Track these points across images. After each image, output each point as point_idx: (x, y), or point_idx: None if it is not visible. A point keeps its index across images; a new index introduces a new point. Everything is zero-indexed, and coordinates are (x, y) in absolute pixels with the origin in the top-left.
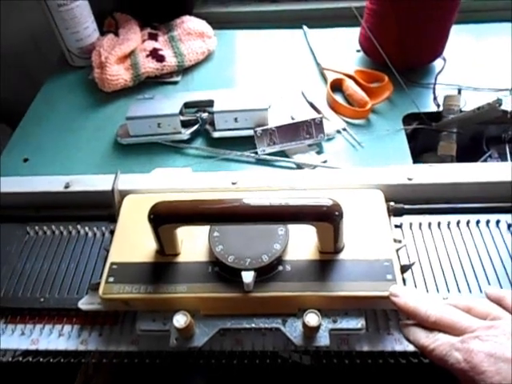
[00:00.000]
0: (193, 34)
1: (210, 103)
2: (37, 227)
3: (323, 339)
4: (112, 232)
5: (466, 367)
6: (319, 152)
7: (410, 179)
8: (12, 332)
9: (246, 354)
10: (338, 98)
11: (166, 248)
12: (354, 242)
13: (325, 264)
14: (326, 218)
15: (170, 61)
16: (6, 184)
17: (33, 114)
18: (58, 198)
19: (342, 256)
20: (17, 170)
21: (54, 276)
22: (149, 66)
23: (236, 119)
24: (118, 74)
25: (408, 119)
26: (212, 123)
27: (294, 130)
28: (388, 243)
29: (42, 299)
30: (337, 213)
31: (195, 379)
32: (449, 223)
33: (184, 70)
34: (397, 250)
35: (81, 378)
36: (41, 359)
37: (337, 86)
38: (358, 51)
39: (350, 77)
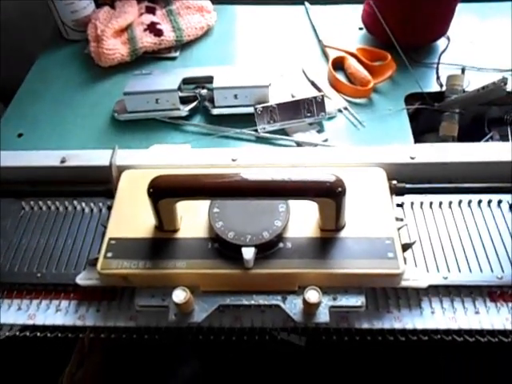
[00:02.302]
0: (192, 8)
1: (210, 79)
2: (32, 202)
3: (323, 316)
4: (109, 208)
5: None
6: (320, 131)
7: (412, 158)
8: (9, 307)
9: (245, 330)
10: (340, 76)
11: (165, 223)
12: (355, 219)
13: (326, 241)
14: (329, 194)
15: (169, 35)
16: (2, 158)
17: (27, 90)
18: (54, 173)
19: (343, 234)
20: (11, 145)
21: (51, 251)
22: (146, 40)
23: (236, 96)
24: (115, 49)
25: (410, 99)
26: (211, 100)
27: (295, 108)
28: (390, 221)
29: (38, 274)
30: (340, 189)
31: (189, 361)
32: (450, 203)
33: (182, 46)
34: (398, 229)
35: (76, 357)
36: (38, 334)
37: (338, 64)
38: (361, 29)
39: (352, 55)
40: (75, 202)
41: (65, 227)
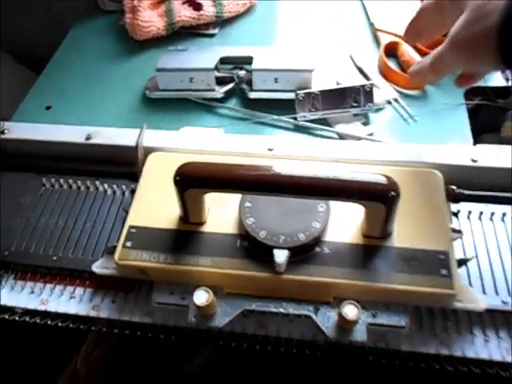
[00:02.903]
0: None
1: (249, 60)
2: (53, 179)
3: (359, 334)
4: (133, 192)
5: None
6: (365, 123)
7: (474, 161)
8: (21, 289)
9: (270, 339)
10: (392, 64)
11: (191, 215)
12: (404, 227)
13: (369, 250)
14: (380, 198)
15: (208, 10)
16: (25, 131)
17: (59, 60)
18: (78, 150)
19: (389, 243)
20: (38, 117)
21: (69, 234)
22: (184, 14)
23: (276, 80)
24: (151, 21)
25: (470, 93)
26: (249, 82)
27: (340, 97)
28: (445, 233)
29: (54, 257)
30: (393, 193)
31: (204, 348)
32: None
33: (222, 23)
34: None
35: (92, 337)
36: (49, 322)
37: (391, 51)
38: None
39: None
40: (98, 183)
41: (85, 209)
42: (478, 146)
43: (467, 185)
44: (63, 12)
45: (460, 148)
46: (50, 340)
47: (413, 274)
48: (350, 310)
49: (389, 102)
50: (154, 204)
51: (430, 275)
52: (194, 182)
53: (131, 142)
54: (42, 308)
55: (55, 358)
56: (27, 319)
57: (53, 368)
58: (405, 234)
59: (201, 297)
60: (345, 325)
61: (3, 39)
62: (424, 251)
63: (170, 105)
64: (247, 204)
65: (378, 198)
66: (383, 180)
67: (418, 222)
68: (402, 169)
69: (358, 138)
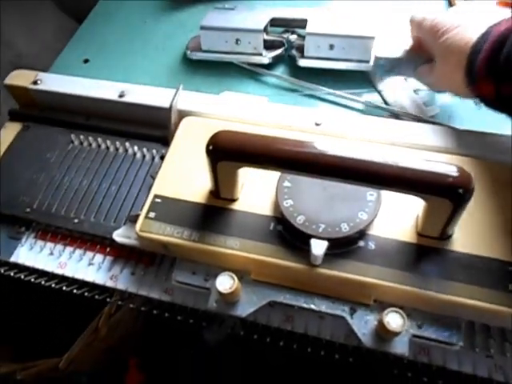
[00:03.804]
0: None
1: (302, 23)
2: (82, 136)
3: (401, 345)
4: (163, 157)
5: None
6: (427, 103)
7: None
8: (40, 249)
9: (296, 336)
10: None
11: (223, 190)
12: (468, 229)
13: (423, 251)
14: (448, 193)
15: None
16: (58, 83)
17: (100, 11)
18: (109, 107)
19: (448, 245)
20: (76, 70)
21: (93, 196)
22: None
23: (331, 46)
24: None
25: None
26: (300, 48)
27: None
28: None
29: (76, 220)
30: (464, 189)
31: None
32: None
33: None
34: None
35: (116, 299)
36: (64, 287)
37: None
38: None
39: None
40: (127, 144)
41: (111, 171)
42: None
43: None
44: None
45: None
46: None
47: (472, 284)
48: (394, 319)
49: None
50: (183, 173)
51: (493, 289)
52: (227, 153)
53: (165, 104)
54: (59, 272)
55: (77, 316)
56: (43, 282)
57: (75, 326)
58: (468, 237)
59: (224, 283)
60: (385, 334)
61: None
62: (489, 260)
63: (212, 68)
64: (286, 184)
65: (446, 193)
66: (454, 172)
67: (487, 225)
68: (472, 160)
69: (418, 120)
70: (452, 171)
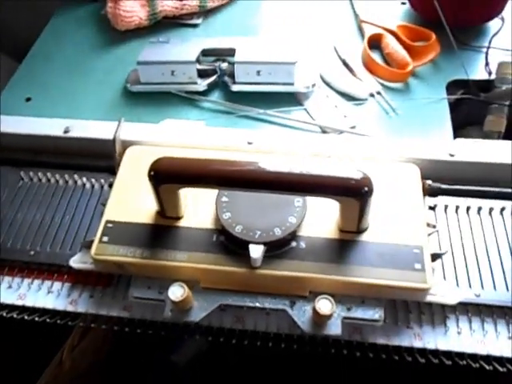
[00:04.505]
0: None
1: (231, 52)
2: (32, 173)
3: (334, 327)
4: (111, 185)
5: None
6: (347, 116)
7: (451, 155)
8: None
9: (247, 333)
10: (376, 56)
11: (167, 210)
12: (380, 222)
13: (344, 244)
14: (353, 194)
15: (191, 0)
16: (3, 123)
17: (39, 50)
18: (56, 143)
19: (364, 237)
20: (18, 109)
21: (47, 228)
22: (167, 4)
23: (259, 72)
24: (133, 11)
25: (453, 86)
26: (232, 75)
27: None
28: (420, 227)
29: (32, 252)
30: (366, 188)
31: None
32: (491, 209)
33: (206, 13)
34: (428, 235)
35: (79, 329)
36: (25, 317)
37: (375, 43)
38: (404, 3)
39: (392, 32)
40: (76, 176)
41: (63, 203)
42: (457, 140)
43: (444, 179)
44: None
45: (439, 142)
46: (35, 334)
47: (387, 268)
48: (324, 305)
49: (371, 95)
50: (131, 198)
51: (404, 269)
52: (168, 177)
53: (109, 136)
54: (19, 303)
55: (41, 352)
56: (4, 314)
57: (38, 361)
58: (380, 228)
59: (176, 292)
60: (319, 319)
61: None
62: (398, 246)
63: (152, 98)
64: (224, 199)
65: (351, 194)
66: (356, 175)
67: (394, 217)
68: (379, 163)
69: (340, 132)
70: (354, 175)
